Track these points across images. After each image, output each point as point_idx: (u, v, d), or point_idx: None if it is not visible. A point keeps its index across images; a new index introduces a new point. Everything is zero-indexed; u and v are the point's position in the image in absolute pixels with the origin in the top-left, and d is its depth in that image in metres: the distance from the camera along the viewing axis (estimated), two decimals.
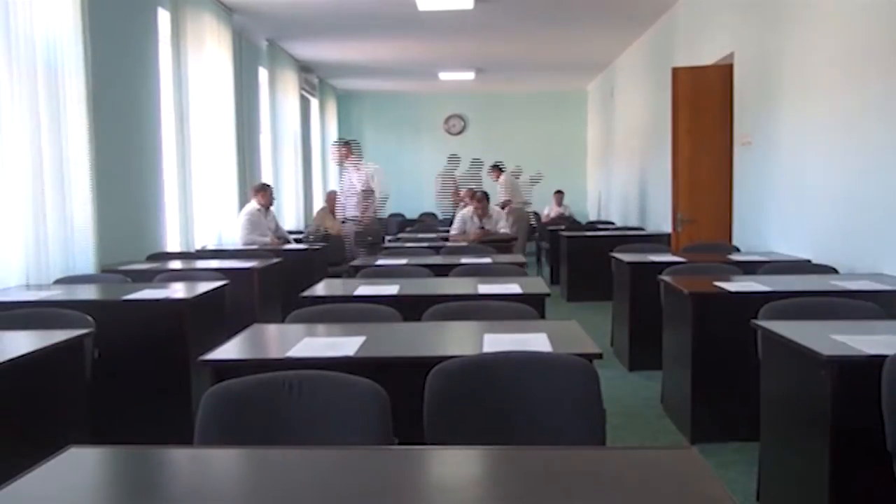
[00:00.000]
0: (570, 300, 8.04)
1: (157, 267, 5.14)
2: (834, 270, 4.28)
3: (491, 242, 6.79)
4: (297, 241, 7.86)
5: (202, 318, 3.86)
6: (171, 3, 6.31)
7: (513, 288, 3.78)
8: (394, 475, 1.51)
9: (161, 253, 5.92)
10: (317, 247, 7.12)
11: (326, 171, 12.42)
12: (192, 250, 6.44)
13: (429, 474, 1.60)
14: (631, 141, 10.21)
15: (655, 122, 8.52)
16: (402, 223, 12.31)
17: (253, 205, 7.06)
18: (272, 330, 3.05)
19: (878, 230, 4.07)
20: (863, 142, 4.22)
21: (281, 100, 9.61)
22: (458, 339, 2.80)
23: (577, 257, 8.06)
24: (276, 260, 5.77)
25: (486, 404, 2.05)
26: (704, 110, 6.31)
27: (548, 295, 3.74)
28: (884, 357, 2.14)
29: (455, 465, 1.60)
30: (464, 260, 5.08)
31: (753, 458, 3.15)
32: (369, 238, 8.08)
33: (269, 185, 7.35)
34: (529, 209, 11.64)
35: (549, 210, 12.24)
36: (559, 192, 12.39)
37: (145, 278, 4.46)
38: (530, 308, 3.17)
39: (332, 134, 13.07)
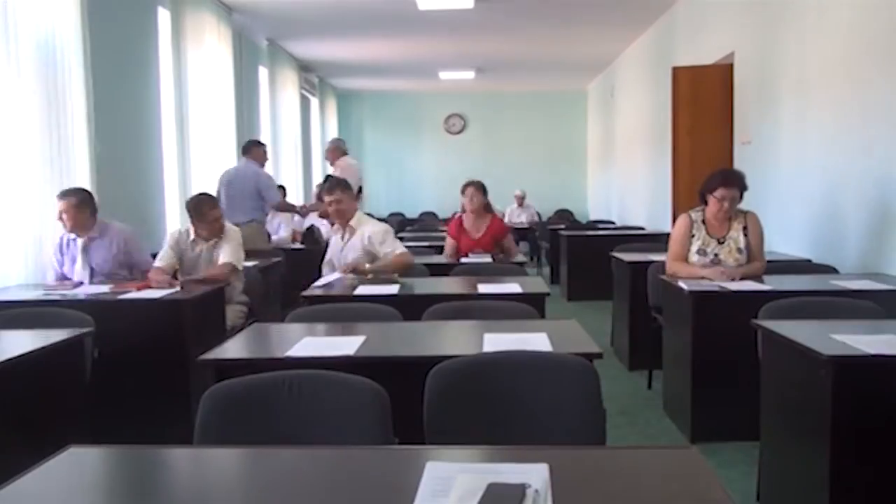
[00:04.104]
0: (570, 300, 8.03)
1: None
2: (834, 270, 4.28)
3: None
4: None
5: (202, 318, 3.86)
6: (171, 2, 6.31)
7: (513, 287, 3.78)
8: (394, 475, 1.51)
9: None
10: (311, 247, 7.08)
11: (326, 170, 12.39)
12: None
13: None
14: (631, 141, 10.20)
15: (655, 122, 8.52)
16: (401, 222, 12.31)
17: None
18: (272, 330, 3.05)
19: (878, 230, 4.07)
20: (863, 141, 4.22)
21: (281, 99, 9.60)
22: (458, 339, 2.80)
23: (577, 257, 8.04)
24: (276, 259, 5.77)
25: (486, 404, 2.05)
26: (704, 110, 6.30)
27: (548, 294, 3.74)
28: (884, 357, 2.14)
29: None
30: (464, 259, 5.08)
31: (753, 458, 3.15)
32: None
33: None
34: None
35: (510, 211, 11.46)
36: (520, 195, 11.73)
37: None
38: (530, 307, 3.17)
39: (333, 133, 13.06)
